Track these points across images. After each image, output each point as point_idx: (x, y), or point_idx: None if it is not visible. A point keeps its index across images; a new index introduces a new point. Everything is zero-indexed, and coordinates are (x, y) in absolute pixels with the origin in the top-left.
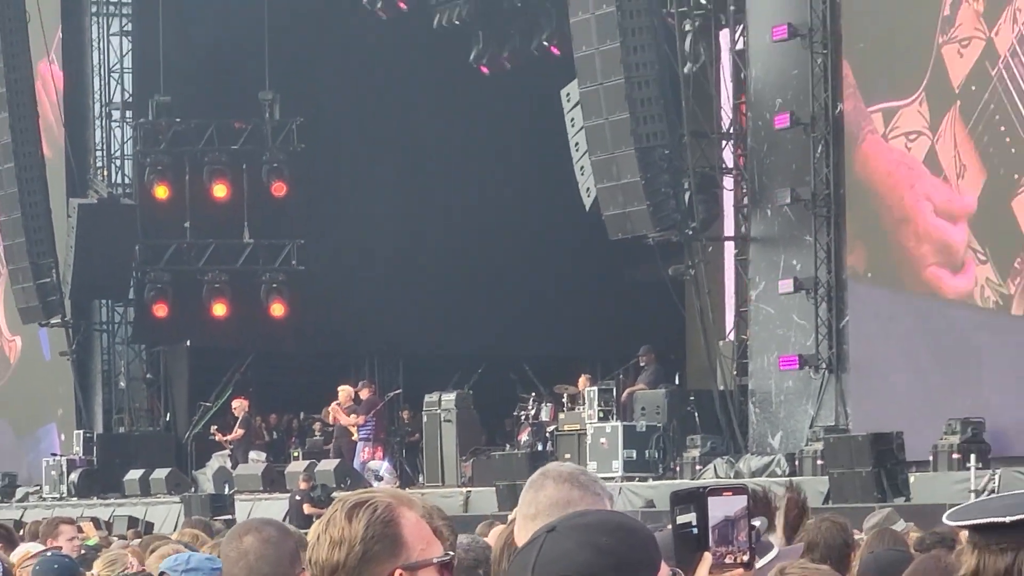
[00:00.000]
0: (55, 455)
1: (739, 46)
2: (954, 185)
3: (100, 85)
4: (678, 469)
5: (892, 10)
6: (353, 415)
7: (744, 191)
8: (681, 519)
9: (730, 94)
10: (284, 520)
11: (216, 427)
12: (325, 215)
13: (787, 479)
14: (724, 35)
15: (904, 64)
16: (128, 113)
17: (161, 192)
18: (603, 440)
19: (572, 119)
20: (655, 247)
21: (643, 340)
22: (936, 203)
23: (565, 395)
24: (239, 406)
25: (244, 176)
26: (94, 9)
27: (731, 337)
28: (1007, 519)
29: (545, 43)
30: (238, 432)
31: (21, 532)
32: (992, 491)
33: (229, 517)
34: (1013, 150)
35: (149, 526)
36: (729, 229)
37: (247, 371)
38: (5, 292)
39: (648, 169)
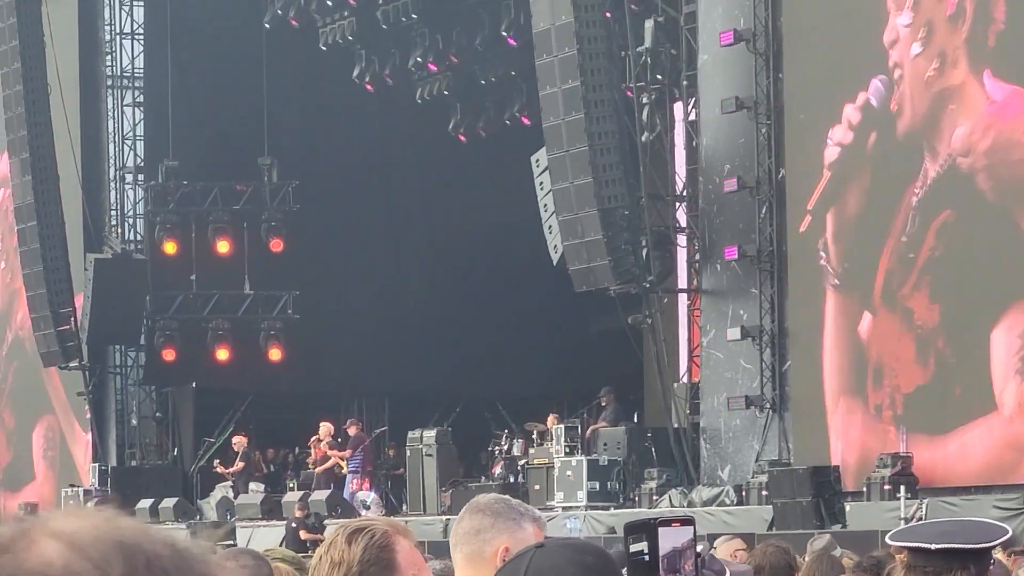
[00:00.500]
0: (73, 486)
1: (691, 117)
2: None
3: (115, 151)
4: (637, 499)
5: (830, 84)
6: (336, 450)
7: (696, 248)
8: (634, 548)
9: (683, 160)
10: (281, 545)
11: (219, 461)
12: (318, 269)
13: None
14: (678, 107)
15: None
16: (140, 176)
17: (170, 248)
18: (569, 473)
19: (541, 183)
20: (616, 298)
21: (605, 382)
22: None
23: (535, 432)
24: (239, 442)
25: (245, 233)
26: (109, 82)
27: (684, 380)
28: (932, 547)
29: (517, 114)
30: (239, 465)
31: None
32: (920, 518)
33: (231, 543)
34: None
35: None
36: (682, 282)
37: (247, 410)
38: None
39: (609, 228)
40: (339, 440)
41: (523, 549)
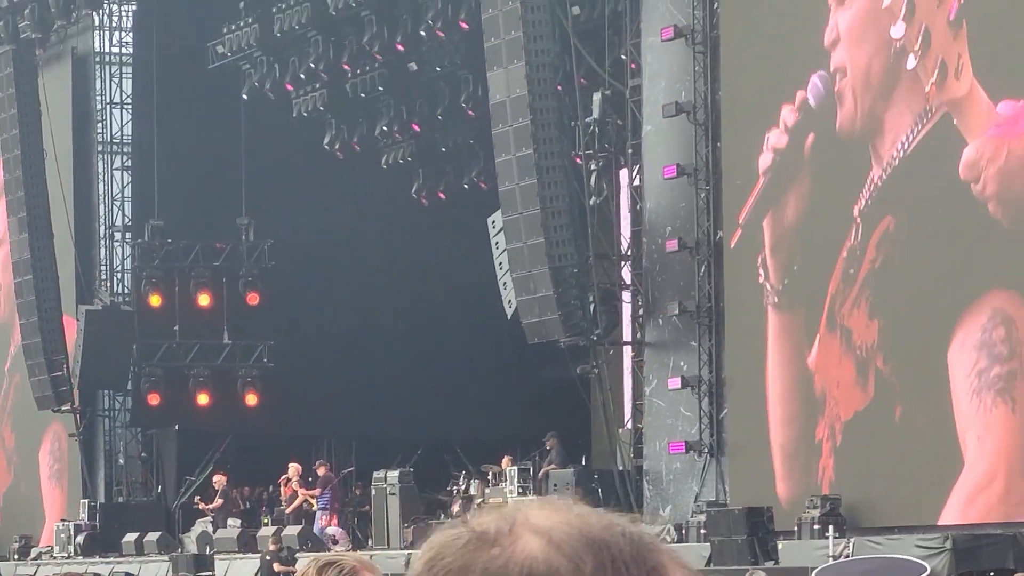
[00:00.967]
0: (65, 521)
1: (636, 183)
2: None
3: (105, 211)
4: None
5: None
6: (306, 489)
7: (639, 304)
8: None
9: (628, 222)
10: None
11: (199, 497)
12: (291, 321)
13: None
14: (623, 173)
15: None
16: (128, 234)
17: (155, 301)
18: None
19: (497, 242)
20: (565, 350)
21: (555, 427)
22: None
23: (490, 473)
24: (218, 480)
25: (224, 288)
26: (100, 148)
27: (629, 426)
28: None
29: (474, 179)
30: (218, 502)
31: None
32: (847, 556)
33: (210, 574)
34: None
35: None
36: (627, 335)
37: (225, 450)
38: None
39: (560, 285)
40: (309, 480)
41: None
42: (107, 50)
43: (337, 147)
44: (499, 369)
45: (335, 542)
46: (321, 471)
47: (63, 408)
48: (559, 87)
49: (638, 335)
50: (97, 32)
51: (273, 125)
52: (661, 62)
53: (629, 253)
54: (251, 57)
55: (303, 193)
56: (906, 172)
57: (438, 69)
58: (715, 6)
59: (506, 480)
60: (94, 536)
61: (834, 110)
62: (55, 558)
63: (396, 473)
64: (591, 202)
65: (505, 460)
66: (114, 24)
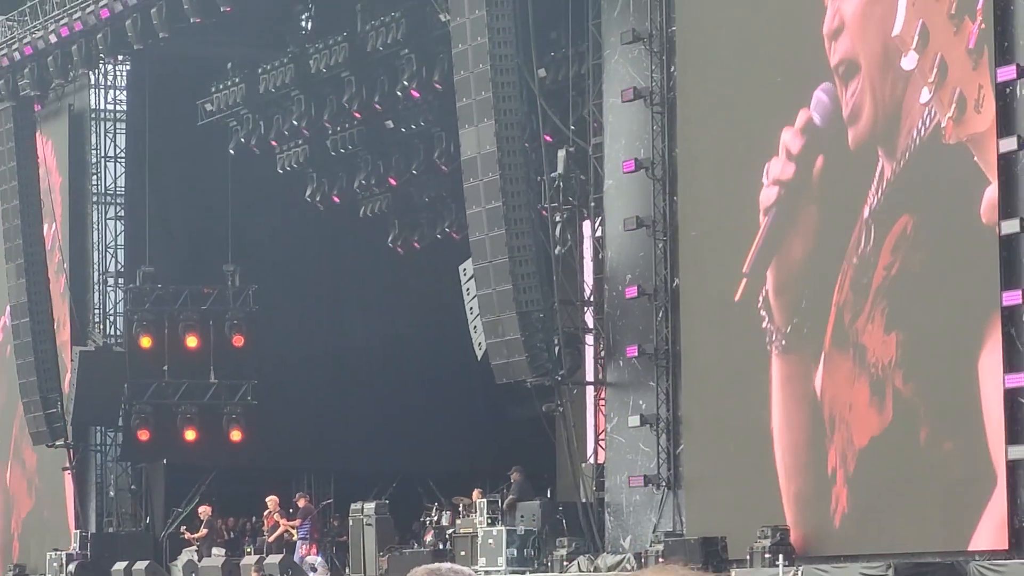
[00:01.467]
0: (57, 550)
1: (598, 233)
2: None
3: (99, 258)
4: (549, 564)
5: (720, 204)
6: (287, 520)
7: (601, 346)
8: None
9: (591, 271)
10: None
11: (186, 528)
12: (274, 361)
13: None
14: (586, 225)
15: (729, 247)
16: (120, 280)
17: (145, 342)
18: (491, 541)
19: (468, 289)
20: (532, 389)
21: (522, 462)
22: None
23: (461, 505)
24: (204, 511)
25: (211, 330)
26: (95, 198)
27: (591, 460)
28: None
29: (447, 229)
30: (203, 532)
31: None
32: None
33: None
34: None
35: None
36: (590, 376)
37: (211, 484)
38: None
39: (527, 328)
40: (290, 511)
41: None
42: (102, 107)
43: (318, 199)
44: (470, 407)
45: (314, 570)
46: (301, 503)
47: (57, 443)
48: (526, 144)
49: (600, 376)
50: (93, 90)
51: (258, 178)
52: (621, 121)
53: (592, 299)
54: (238, 114)
55: (286, 242)
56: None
57: (413, 127)
58: (672, 69)
59: (476, 512)
60: (85, 565)
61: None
62: None
63: (372, 505)
64: (556, 251)
65: (475, 493)
66: (109, 83)
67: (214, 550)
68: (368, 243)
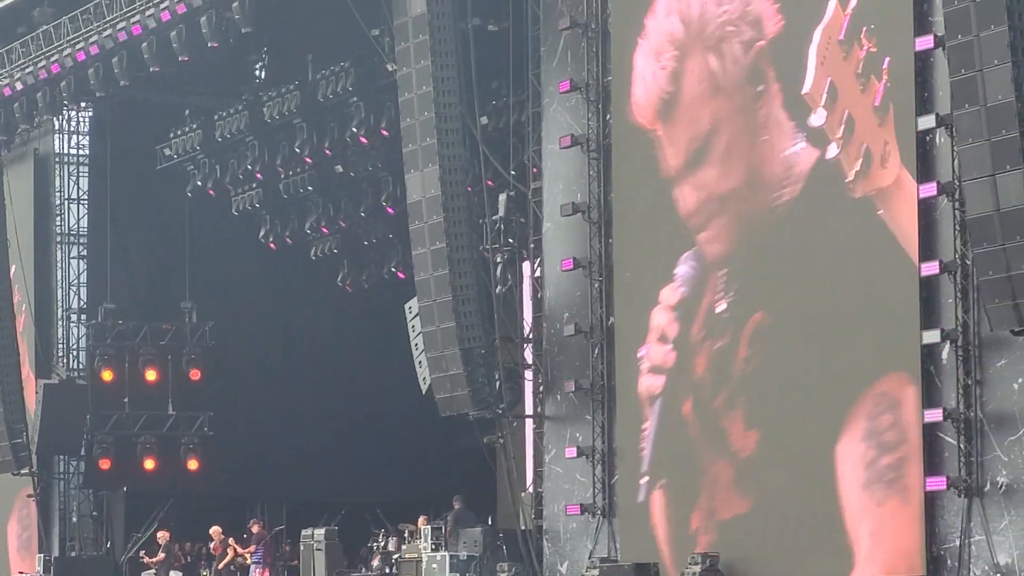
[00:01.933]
0: (22, 573)
1: (537, 274)
2: None
3: (62, 295)
4: None
5: (653, 246)
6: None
7: (540, 381)
8: None
9: (530, 309)
10: None
11: (144, 552)
12: (229, 394)
13: None
14: (526, 265)
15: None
16: (83, 316)
17: (107, 376)
18: (435, 565)
19: (413, 326)
20: (475, 422)
21: (465, 491)
22: None
23: (407, 531)
24: (162, 536)
25: (169, 364)
26: (59, 239)
27: (530, 490)
28: None
29: (393, 269)
30: (161, 556)
31: None
32: None
33: None
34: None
35: None
36: (529, 409)
37: (169, 510)
38: None
39: (469, 364)
40: (244, 536)
41: None
42: (66, 151)
43: (271, 240)
44: (415, 439)
45: None
46: (255, 529)
47: (23, 472)
48: (469, 188)
49: (539, 409)
50: (57, 135)
51: (214, 220)
52: (560, 167)
53: (531, 336)
54: (195, 159)
55: (241, 280)
56: (774, 259)
57: (362, 171)
58: (607, 118)
59: (421, 538)
60: None
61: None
62: None
63: (322, 531)
64: (497, 291)
65: (420, 520)
66: (72, 128)
67: (172, 573)
68: (319, 282)
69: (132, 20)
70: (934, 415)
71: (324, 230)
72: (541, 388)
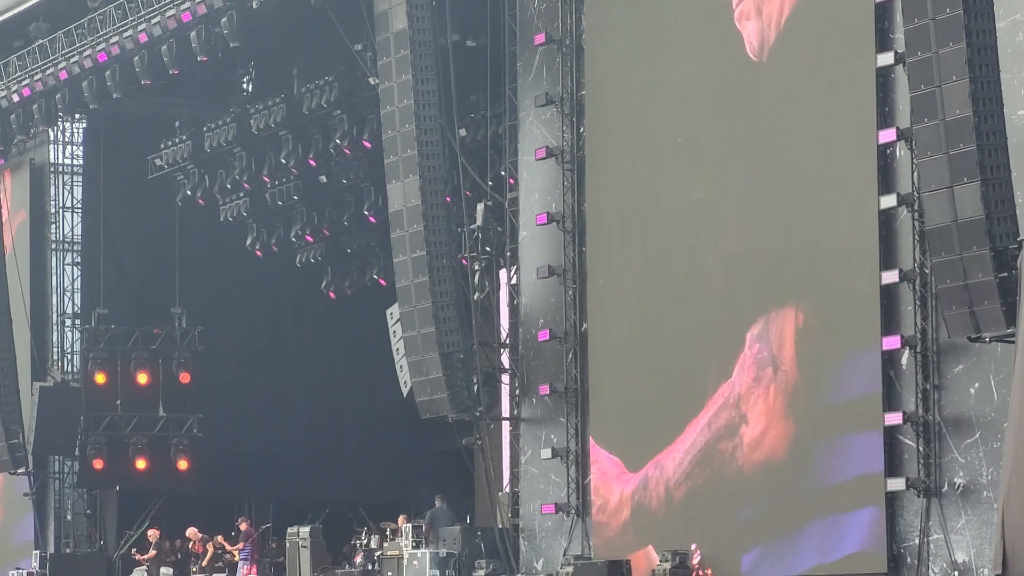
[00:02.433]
0: (19, 568)
1: (513, 281)
2: None
3: (57, 301)
4: None
5: (624, 254)
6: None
7: (516, 385)
8: None
9: (507, 315)
10: None
11: (136, 549)
12: (218, 397)
13: None
14: (503, 273)
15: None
16: (77, 321)
17: (100, 379)
18: (416, 563)
19: (394, 331)
20: (453, 424)
21: (444, 490)
22: None
23: (388, 529)
24: (153, 534)
25: (160, 368)
26: (53, 246)
27: (507, 489)
28: None
29: (375, 276)
30: (152, 553)
31: None
32: None
33: None
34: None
35: None
36: (506, 412)
37: (160, 509)
38: None
39: (448, 368)
40: (232, 534)
41: None
42: (61, 161)
43: (258, 248)
44: (396, 440)
45: None
46: (243, 526)
47: (19, 471)
48: (448, 198)
49: (515, 412)
50: (52, 146)
51: (203, 228)
52: (535, 178)
53: (508, 341)
54: (185, 169)
55: (229, 286)
56: None
57: (345, 181)
58: (581, 130)
59: (402, 536)
60: None
61: None
62: None
63: (307, 529)
64: (475, 297)
65: (401, 518)
66: (67, 139)
67: (162, 570)
68: (303, 288)
69: (124, 35)
70: (894, 418)
71: (309, 238)
72: (517, 391)
